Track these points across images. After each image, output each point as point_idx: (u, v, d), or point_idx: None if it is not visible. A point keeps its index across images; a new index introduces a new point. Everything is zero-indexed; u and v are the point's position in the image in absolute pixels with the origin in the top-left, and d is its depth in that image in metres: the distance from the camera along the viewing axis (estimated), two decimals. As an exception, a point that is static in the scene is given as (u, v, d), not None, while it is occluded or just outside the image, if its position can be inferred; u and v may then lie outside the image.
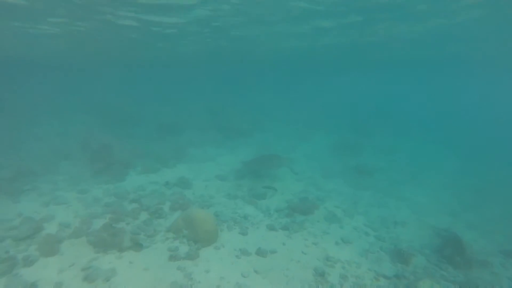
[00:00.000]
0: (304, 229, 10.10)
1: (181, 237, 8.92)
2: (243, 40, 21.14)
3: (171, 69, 46.01)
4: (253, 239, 9.25)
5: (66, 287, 6.49)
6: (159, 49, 26.28)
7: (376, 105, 46.92)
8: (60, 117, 22.08)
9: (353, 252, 9.03)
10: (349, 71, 43.91)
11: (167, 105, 29.40)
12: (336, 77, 57.91)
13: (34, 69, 42.88)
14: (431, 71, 38.32)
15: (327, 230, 10.16)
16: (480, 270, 8.71)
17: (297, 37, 19.64)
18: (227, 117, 25.17)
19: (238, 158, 17.28)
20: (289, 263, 8.18)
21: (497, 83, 44.18)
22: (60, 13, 13.56)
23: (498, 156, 23.10)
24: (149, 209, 10.22)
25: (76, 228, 8.62)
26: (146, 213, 10.10)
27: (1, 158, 13.53)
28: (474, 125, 41.73)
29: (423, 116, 45.54)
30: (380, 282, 7.76)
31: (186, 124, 22.85)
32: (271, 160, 14.72)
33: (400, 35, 18.56)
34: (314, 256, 8.60)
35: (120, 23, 15.33)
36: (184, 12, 13.77)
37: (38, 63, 35.58)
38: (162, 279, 7.03)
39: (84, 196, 10.87)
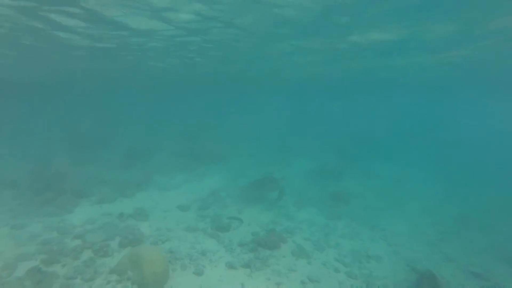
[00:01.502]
0: (267, 266, 9.10)
1: (125, 280, 7.77)
2: (222, 61, 20.90)
3: (144, 92, 45.32)
4: (209, 280, 8.17)
5: None
6: (132, 72, 25.71)
7: (361, 129, 47.27)
8: (17, 141, 20.59)
9: (320, 294, 8.09)
10: (333, 94, 44.55)
11: (138, 129, 28.31)
12: (320, 101, 58.72)
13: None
14: (418, 95, 39.08)
15: (293, 267, 9.20)
16: (457, 311, 7.93)
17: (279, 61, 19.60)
18: (201, 141, 24.32)
19: (206, 186, 16.31)
20: (245, 310, 7.15)
21: (485, 107, 45.72)
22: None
23: (483, 182, 22.97)
24: (94, 246, 9.01)
25: (-5, 274, 7.33)
26: (90, 251, 8.88)
27: None
28: (459, 150, 42.41)
29: (409, 140, 46.01)
30: (348, 331, 6.82)
31: (157, 149, 21.81)
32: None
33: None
34: (275, 300, 7.60)
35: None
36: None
37: None
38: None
39: (18, 232, 9.54)
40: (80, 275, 7.66)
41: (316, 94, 47.29)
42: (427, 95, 40.22)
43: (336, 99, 57.50)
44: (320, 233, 11.73)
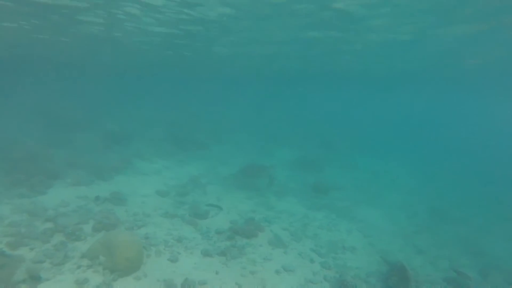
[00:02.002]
0: (243, 255, 9.12)
1: (97, 265, 7.58)
2: (208, 52, 20.45)
3: (128, 76, 43.99)
4: (183, 267, 8.11)
5: None
6: (117, 55, 24.78)
7: (344, 121, 47.71)
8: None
9: (294, 283, 8.18)
10: (318, 84, 44.38)
11: (121, 112, 27.52)
12: (305, 91, 58.59)
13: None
14: (403, 88, 39.28)
15: (269, 256, 9.25)
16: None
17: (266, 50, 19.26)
18: (185, 127, 23.94)
19: (187, 172, 16.12)
20: (218, 298, 7.15)
21: (467, 101, 46.73)
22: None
23: (461, 177, 23.73)
24: (66, 230, 8.73)
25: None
26: (61, 234, 8.60)
27: None
28: (442, 145, 43.49)
29: (392, 133, 46.81)
30: (318, 320, 6.95)
31: (138, 134, 21.30)
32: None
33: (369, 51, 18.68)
34: (249, 289, 7.64)
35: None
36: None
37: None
38: (52, 323, 5.69)
39: (-16, 213, 9.15)
40: (49, 259, 7.42)
41: (303, 84, 47.12)
42: (414, 91, 40.74)
43: (322, 91, 57.54)
44: (299, 223, 11.84)
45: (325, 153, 24.59)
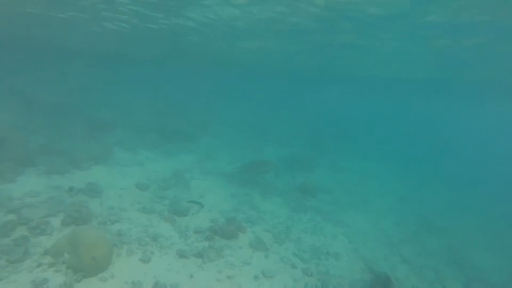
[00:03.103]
0: (221, 257, 8.62)
1: (60, 263, 6.99)
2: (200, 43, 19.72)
3: (117, 63, 42.70)
4: (155, 269, 7.57)
5: None
6: (104, 41, 23.84)
7: (337, 121, 47.30)
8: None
9: (272, 290, 7.73)
10: (312, 83, 43.91)
11: (107, 100, 26.54)
12: (297, 87, 58.05)
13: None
14: (396, 91, 39.17)
15: (248, 260, 8.78)
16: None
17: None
18: (173, 118, 23.23)
19: (171, 165, 15.49)
20: (189, 305, 6.64)
21: (459, 107, 46.92)
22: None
23: (450, 184, 23.67)
24: (30, 223, 8.07)
25: None
26: (25, 228, 7.94)
27: None
28: (434, 149, 43.62)
29: (384, 136, 46.69)
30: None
31: (124, 122, 20.51)
32: None
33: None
34: (223, 295, 7.15)
35: None
36: None
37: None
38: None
39: None
40: (5, 255, 6.78)
41: (295, 82, 46.61)
42: (407, 94, 40.67)
43: (316, 90, 57.15)
44: (283, 226, 11.38)
45: (316, 153, 24.16)
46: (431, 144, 49.35)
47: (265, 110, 43.25)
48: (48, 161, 12.21)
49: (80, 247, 6.99)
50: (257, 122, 31.97)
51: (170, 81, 66.56)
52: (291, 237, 10.68)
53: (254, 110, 40.82)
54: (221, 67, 36.88)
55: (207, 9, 13.55)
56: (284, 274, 8.51)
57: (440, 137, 62.51)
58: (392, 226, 13.60)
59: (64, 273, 6.72)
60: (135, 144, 17.12)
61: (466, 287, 9.98)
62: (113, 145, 16.10)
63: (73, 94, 25.59)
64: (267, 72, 36.94)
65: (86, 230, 7.37)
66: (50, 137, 14.92)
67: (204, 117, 27.52)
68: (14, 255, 6.84)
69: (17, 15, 18.20)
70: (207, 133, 23.53)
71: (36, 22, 19.53)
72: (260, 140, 25.19)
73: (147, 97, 33.13)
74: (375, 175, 22.22)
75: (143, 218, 9.91)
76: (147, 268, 7.53)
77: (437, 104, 47.08)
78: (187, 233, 9.59)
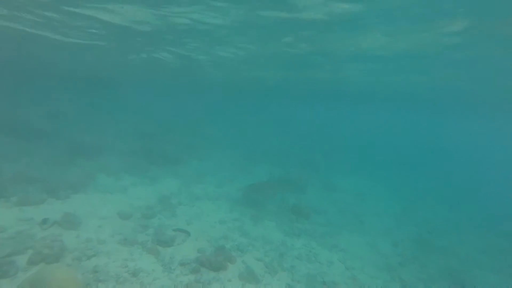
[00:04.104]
0: (209, 293, 7.87)
1: (23, 310, 6.15)
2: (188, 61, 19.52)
3: (96, 84, 42.05)
4: (134, 311, 6.78)
5: None
6: (83, 60, 23.50)
7: (328, 139, 47.14)
8: None
9: (265, 330, 6.98)
10: (302, 101, 44.06)
11: (90, 123, 25.79)
12: (289, 108, 58.34)
13: None
14: (390, 107, 39.31)
15: (238, 295, 8.04)
16: None
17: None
18: (159, 141, 22.59)
19: (157, 190, 14.75)
20: None
21: (454, 122, 47.42)
22: None
23: (446, 201, 23.30)
24: (-7, 263, 7.24)
25: None
26: (-14, 268, 7.11)
27: None
28: (431, 167, 43.46)
29: (378, 153, 46.54)
30: None
31: (107, 146, 19.77)
32: None
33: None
34: None
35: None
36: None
37: None
38: None
39: None
40: (-40, 303, 5.96)
41: (285, 101, 46.75)
42: (399, 111, 41.01)
43: (307, 108, 57.52)
44: (275, 253, 10.67)
45: (308, 172, 23.69)
46: (425, 159, 49.52)
47: (254, 131, 42.98)
48: (22, 191, 11.40)
49: (47, 290, 6.20)
50: (247, 143, 31.58)
51: (157, 104, 66.19)
52: (285, 265, 9.96)
53: (243, 131, 40.51)
54: (210, 89, 36.80)
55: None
56: (278, 309, 7.78)
57: (434, 152, 62.99)
58: (390, 248, 12.99)
59: (27, 322, 5.89)
60: (118, 169, 16.37)
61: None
62: (95, 171, 15.31)
63: (54, 119, 24.78)
64: (256, 93, 37.01)
65: (54, 270, 6.58)
66: (26, 164, 14.09)
67: (192, 139, 26.99)
68: (-31, 303, 6.01)
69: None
70: (195, 155, 22.89)
71: (13, 41, 19.10)
72: (250, 161, 24.66)
73: (133, 120, 32.46)
74: (369, 193, 21.78)
75: (123, 251, 9.11)
76: (124, 311, 6.73)
77: (429, 118, 47.60)
78: (171, 265, 8.82)
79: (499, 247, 15.19)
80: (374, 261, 11.44)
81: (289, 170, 23.05)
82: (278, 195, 17.02)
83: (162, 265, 8.79)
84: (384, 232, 14.61)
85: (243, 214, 13.70)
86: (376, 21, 10.18)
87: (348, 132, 72.15)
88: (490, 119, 34.21)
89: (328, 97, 36.11)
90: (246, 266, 9.32)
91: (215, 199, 15.10)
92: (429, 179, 32.43)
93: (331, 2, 9.16)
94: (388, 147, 58.01)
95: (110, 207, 11.91)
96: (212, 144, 27.63)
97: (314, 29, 11.70)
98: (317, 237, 12.75)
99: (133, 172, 16.56)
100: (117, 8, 11.74)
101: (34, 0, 11.82)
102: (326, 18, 10.40)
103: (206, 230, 11.52)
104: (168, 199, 13.71)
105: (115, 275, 7.85)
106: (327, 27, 11.27)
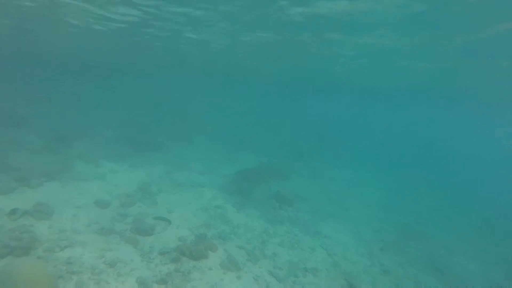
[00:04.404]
0: (188, 282, 7.70)
1: (-12, 306, 5.82)
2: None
3: (78, 69, 40.30)
4: (109, 303, 6.55)
5: None
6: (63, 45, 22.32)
7: (318, 128, 46.92)
8: None
9: (245, 318, 6.91)
10: (291, 90, 43.47)
11: (70, 110, 24.74)
12: (279, 97, 57.71)
13: None
14: (379, 98, 39.23)
15: (219, 283, 7.91)
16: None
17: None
18: (143, 127, 21.95)
19: (138, 177, 14.33)
20: None
21: (441, 116, 48.00)
22: None
23: (435, 189, 23.79)
24: (-45, 257, 6.82)
25: None
26: (-51, 262, 6.69)
27: None
28: (420, 155, 44.12)
29: (367, 143, 46.81)
30: None
31: (88, 133, 19.02)
32: None
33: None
34: (188, 330, 6.24)
35: None
36: None
37: None
38: None
39: None
40: None
41: (276, 89, 46.17)
42: (390, 101, 41.05)
43: (296, 97, 57.07)
44: (257, 240, 10.59)
45: (295, 161, 23.62)
46: (414, 150, 50.35)
47: (243, 118, 42.45)
48: (-8, 179, 10.79)
49: (11, 286, 5.87)
50: (235, 130, 31.17)
51: (143, 89, 64.45)
52: (266, 253, 9.90)
53: (231, 118, 39.93)
54: (197, 75, 35.86)
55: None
56: (258, 297, 7.72)
57: (424, 144, 64.14)
58: (372, 234, 13.16)
59: (-8, 318, 5.58)
60: (98, 155, 15.79)
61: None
62: (73, 158, 14.71)
63: (31, 104, 23.66)
64: (246, 80, 36.32)
65: (21, 264, 6.23)
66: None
67: (177, 126, 26.39)
68: None
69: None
70: (180, 142, 22.42)
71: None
72: (237, 149, 24.37)
73: (116, 106, 31.43)
74: (355, 182, 21.98)
75: (100, 241, 8.79)
76: (98, 303, 6.49)
77: (419, 110, 48.02)
78: (151, 255, 8.58)
79: (480, 235, 15.68)
80: (356, 248, 11.55)
81: (275, 158, 22.93)
82: (263, 183, 16.91)
83: (141, 254, 8.55)
84: (367, 220, 14.76)
85: (226, 202, 13.52)
86: None
87: (339, 123, 72.37)
88: (478, 111, 34.60)
89: (318, 88, 35.77)
90: (228, 254, 9.19)
91: (198, 186, 14.83)
92: (421, 170, 33.00)
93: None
94: (380, 139, 58.58)
95: (87, 196, 11.47)
96: (199, 132, 27.12)
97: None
98: (300, 224, 12.74)
99: (113, 159, 16.03)
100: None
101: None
102: None
103: (187, 218, 11.29)
104: (149, 186, 13.35)
105: (91, 267, 7.56)
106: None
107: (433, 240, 13.78)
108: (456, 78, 18.38)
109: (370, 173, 25.77)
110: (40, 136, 16.54)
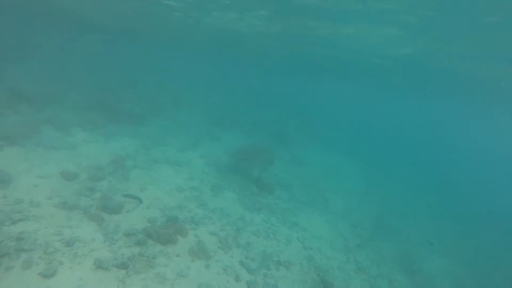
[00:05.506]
0: (151, 268, 7.16)
1: None
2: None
3: (54, 25, 37.07)
4: (58, 286, 5.92)
5: None
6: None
7: (302, 111, 46.11)
8: None
9: (209, 312, 6.46)
10: (279, 68, 42.15)
11: (39, 69, 23.04)
12: (262, 73, 56.15)
13: None
14: (367, 84, 38.60)
15: (185, 271, 7.40)
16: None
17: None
18: (121, 96, 20.73)
19: (111, 149, 13.46)
20: None
21: (432, 108, 48.12)
22: None
23: (412, 181, 23.92)
24: None
25: None
26: None
27: None
28: (401, 146, 44.36)
29: (352, 129, 46.58)
30: None
31: (60, 96, 17.73)
32: None
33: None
34: (145, 322, 5.74)
35: None
36: None
37: None
38: None
39: None
40: None
41: (262, 69, 44.79)
42: (377, 89, 40.62)
43: (283, 77, 55.80)
44: (232, 227, 10.10)
45: (278, 143, 23.06)
46: (396, 140, 50.68)
47: (227, 94, 41.10)
48: None
49: None
50: (218, 106, 30.09)
51: (124, 55, 61.46)
52: (240, 241, 9.44)
53: (215, 93, 38.55)
54: (183, 45, 34.06)
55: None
56: (226, 289, 7.28)
57: (406, 134, 64.81)
58: (349, 228, 12.95)
59: None
60: (70, 122, 14.71)
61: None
62: (41, 122, 13.60)
63: (7, 60, 21.86)
64: (233, 55, 34.93)
65: (-42, 237, 5.49)
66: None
67: (158, 97, 25.17)
68: None
69: None
70: (159, 114, 21.38)
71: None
72: (219, 126, 23.57)
73: (94, 70, 29.64)
74: (337, 169, 21.77)
75: (60, 216, 8.07)
76: (46, 286, 5.85)
77: (403, 100, 47.97)
78: (115, 235, 7.95)
79: (451, 232, 15.85)
80: (333, 242, 11.30)
81: (258, 140, 22.33)
82: (243, 166, 16.34)
83: (104, 234, 7.91)
84: (345, 213, 14.56)
85: (203, 183, 12.92)
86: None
87: (325, 107, 71.68)
88: (466, 102, 34.68)
89: (303, 69, 34.82)
90: (198, 241, 8.66)
91: (175, 164, 14.10)
92: (397, 159, 33.17)
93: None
94: (365, 125, 58.58)
95: (52, 165, 10.58)
96: (181, 105, 26.01)
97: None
98: (278, 213, 12.35)
99: (87, 128, 15.00)
100: None
101: None
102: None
103: (160, 197, 10.64)
104: (123, 160, 12.55)
105: (44, 244, 6.87)
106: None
107: (406, 235, 13.94)
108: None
109: (348, 158, 25.75)
110: (7, 95, 15.20)
